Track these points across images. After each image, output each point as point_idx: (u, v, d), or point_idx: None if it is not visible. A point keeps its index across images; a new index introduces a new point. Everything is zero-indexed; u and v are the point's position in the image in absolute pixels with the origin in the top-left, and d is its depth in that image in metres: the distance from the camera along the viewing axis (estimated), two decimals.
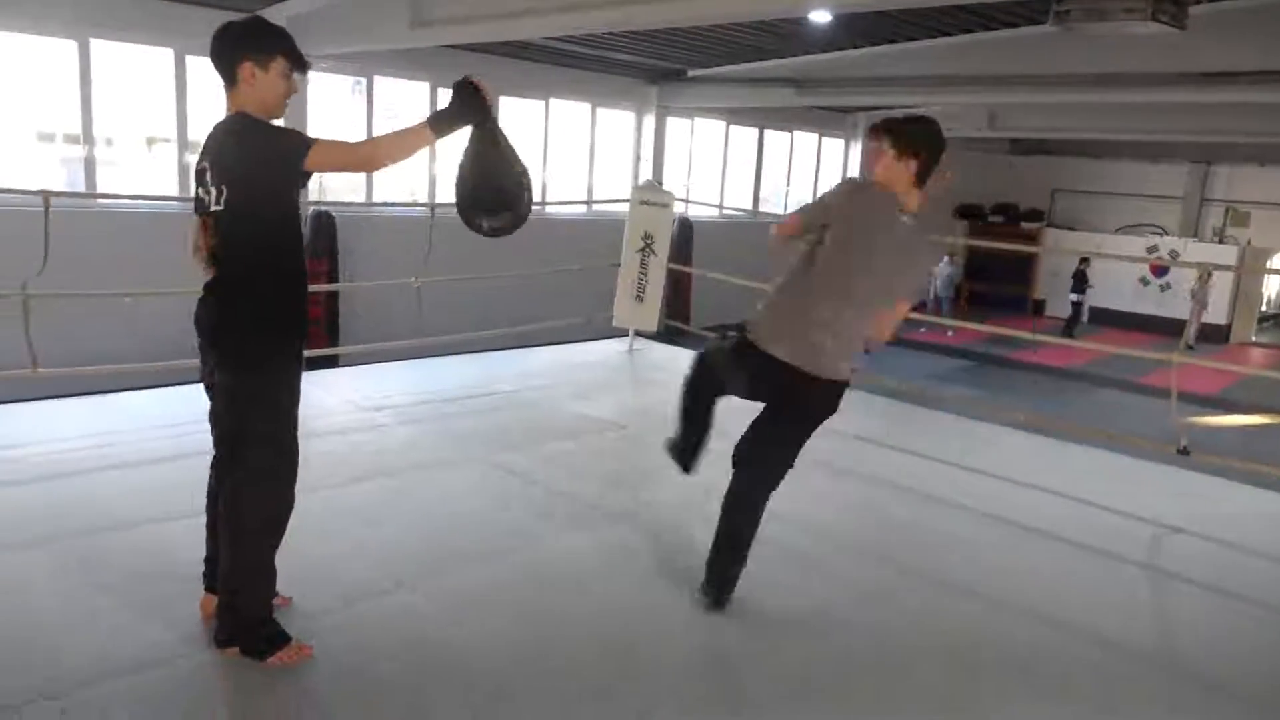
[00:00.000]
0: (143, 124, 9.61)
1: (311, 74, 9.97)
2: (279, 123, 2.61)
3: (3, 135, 8.68)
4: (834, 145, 17.39)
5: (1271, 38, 7.97)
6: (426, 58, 10.73)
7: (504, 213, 2.70)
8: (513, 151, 2.70)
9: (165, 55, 9.24)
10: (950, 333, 14.74)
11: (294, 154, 2.43)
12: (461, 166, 2.72)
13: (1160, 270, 18.04)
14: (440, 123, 2.59)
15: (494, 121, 2.67)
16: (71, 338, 6.31)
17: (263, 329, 2.55)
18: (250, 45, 2.50)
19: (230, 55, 2.50)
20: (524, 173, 2.71)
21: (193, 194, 2.61)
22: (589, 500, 4.09)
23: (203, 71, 9.45)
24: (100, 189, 8.98)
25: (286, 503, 2.68)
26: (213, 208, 2.50)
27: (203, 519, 3.01)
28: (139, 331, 8.25)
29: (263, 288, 2.54)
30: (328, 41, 9.59)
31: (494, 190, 2.70)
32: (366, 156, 2.63)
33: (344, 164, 2.74)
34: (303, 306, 2.66)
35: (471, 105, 2.62)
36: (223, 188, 2.48)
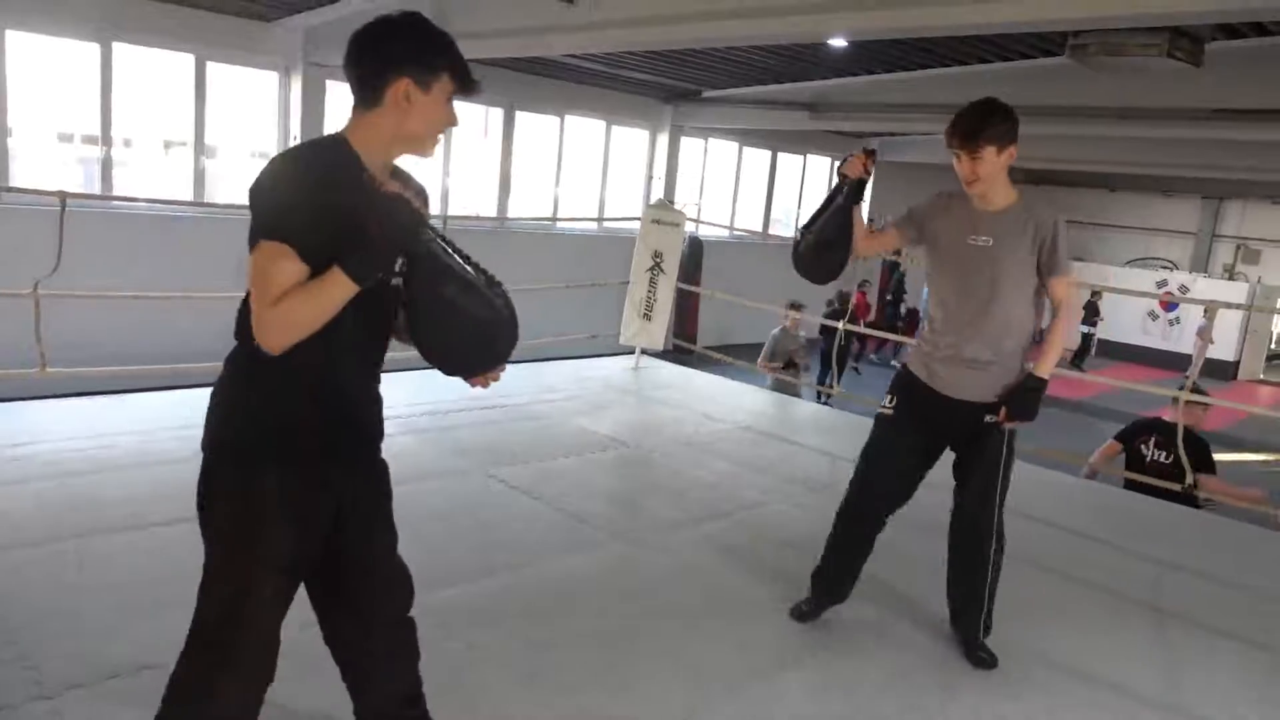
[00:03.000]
0: (161, 127, 9.71)
1: (330, 85, 10.19)
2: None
3: (23, 135, 8.77)
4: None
5: (1271, 78, 7.98)
6: None
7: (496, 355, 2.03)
8: (461, 265, 1.90)
9: (186, 60, 9.35)
10: None
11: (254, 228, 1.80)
12: (424, 331, 1.96)
13: (1170, 305, 18.02)
14: (361, 267, 1.72)
15: (430, 238, 1.83)
16: (82, 338, 6.35)
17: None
18: (413, 56, 1.83)
19: (383, 66, 1.82)
20: (487, 285, 1.93)
21: None
22: (590, 516, 4.09)
23: (221, 76, 9.61)
24: (116, 191, 9.07)
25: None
26: None
27: None
28: (148, 333, 8.31)
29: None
30: None
31: (479, 345, 1.99)
32: (262, 323, 1.76)
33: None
34: None
35: (395, 228, 1.74)
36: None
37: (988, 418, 2.91)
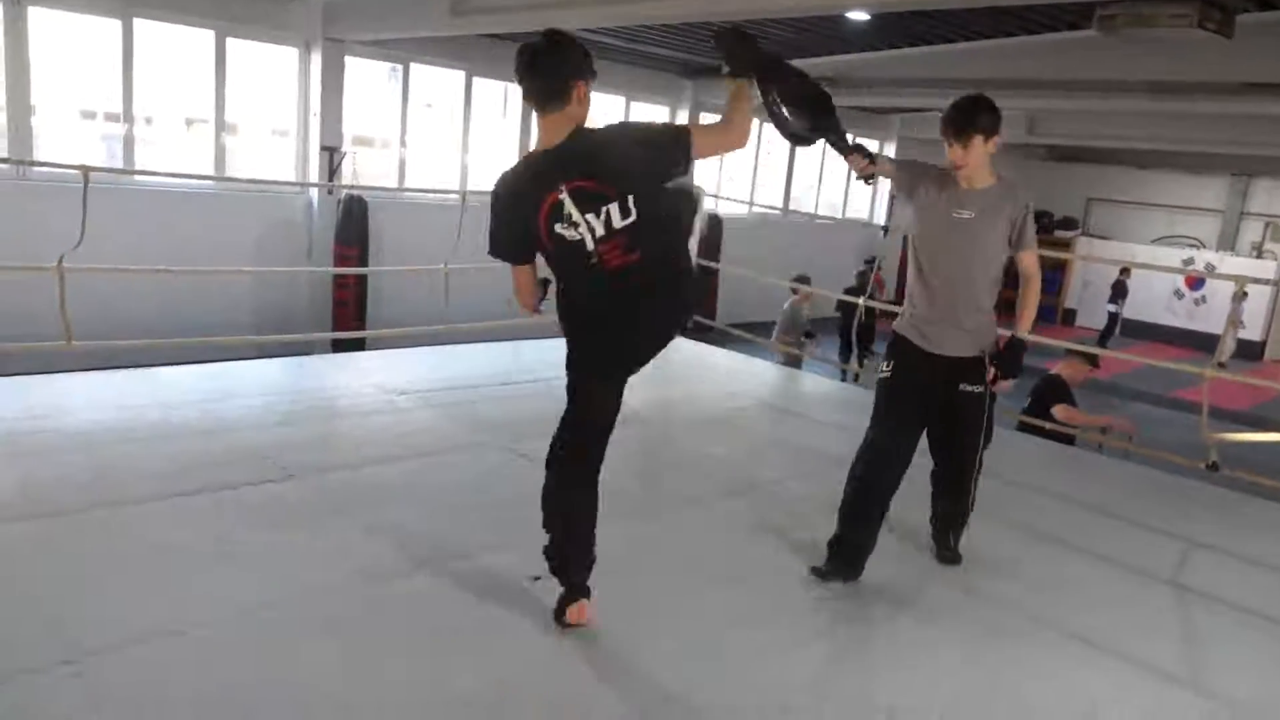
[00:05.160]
0: (182, 105, 9.75)
1: (348, 59, 10.17)
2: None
3: (46, 112, 8.83)
4: (869, 146, 17.27)
5: None
6: (464, 47, 10.77)
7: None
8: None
9: (207, 37, 9.36)
10: None
11: (688, 145, 2.52)
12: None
13: (1196, 283, 17.76)
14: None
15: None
16: (106, 312, 6.42)
17: (702, 297, 2.73)
18: (587, 66, 2.48)
19: (569, 74, 2.44)
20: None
21: (548, 232, 2.45)
22: (608, 489, 4.09)
23: (242, 53, 9.62)
24: (139, 167, 9.13)
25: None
26: (620, 224, 2.43)
27: (225, 494, 3.03)
28: (171, 308, 8.39)
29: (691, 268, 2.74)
30: (367, 27, 9.68)
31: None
32: (741, 134, 2.69)
33: (716, 146, 2.77)
34: None
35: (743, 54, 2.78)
36: (629, 198, 2.43)
37: (967, 386, 3.28)
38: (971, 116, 3.16)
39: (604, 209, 2.40)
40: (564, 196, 2.39)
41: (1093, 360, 6.16)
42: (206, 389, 5.02)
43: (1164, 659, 3.09)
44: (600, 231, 2.42)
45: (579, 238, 2.42)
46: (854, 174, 3.39)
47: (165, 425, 4.42)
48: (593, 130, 2.48)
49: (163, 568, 3.04)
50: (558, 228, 2.42)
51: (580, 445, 2.69)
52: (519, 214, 2.47)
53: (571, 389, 2.70)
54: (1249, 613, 3.47)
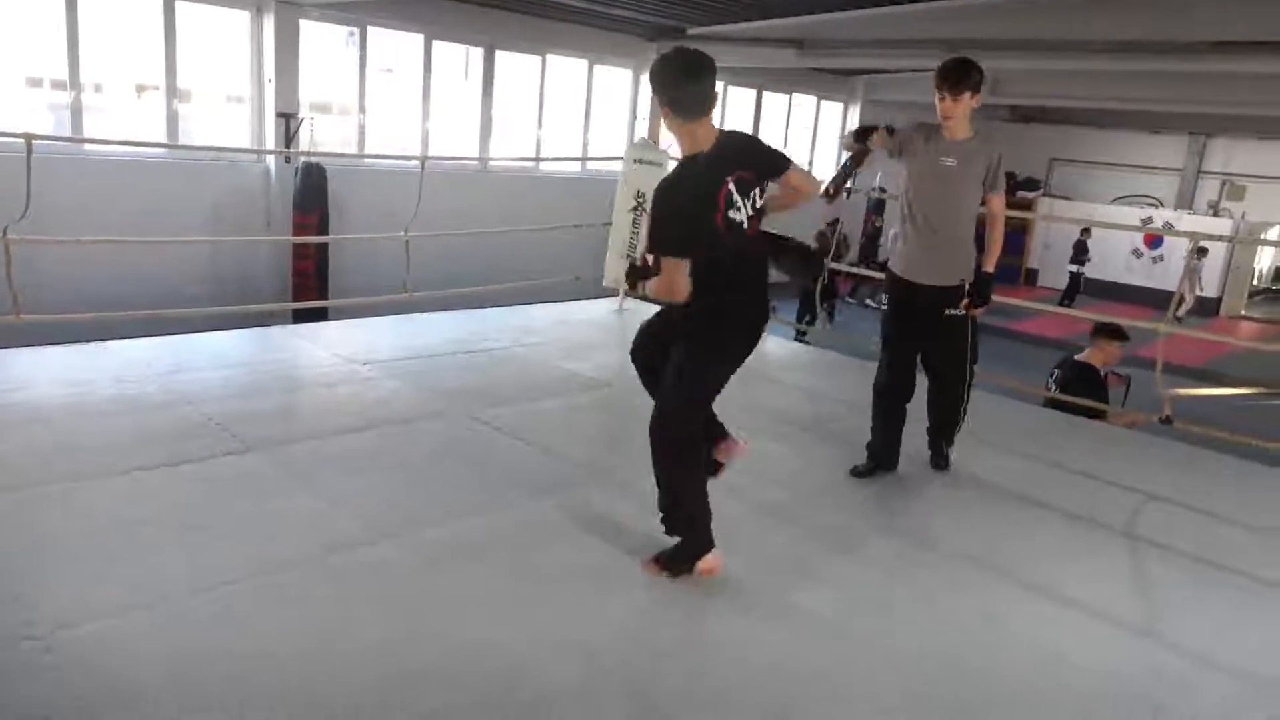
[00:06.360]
0: (132, 71, 9.47)
1: (304, 23, 9.93)
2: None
3: None
4: (833, 109, 17.23)
5: (1274, 7, 7.88)
6: (422, 9, 10.56)
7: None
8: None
9: (154, 2, 9.08)
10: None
11: (783, 168, 3.05)
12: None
13: (1155, 242, 18.02)
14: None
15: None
16: (57, 284, 6.26)
17: None
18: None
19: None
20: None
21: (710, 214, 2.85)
22: (573, 456, 4.11)
23: (193, 17, 9.35)
24: (88, 135, 8.86)
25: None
26: (758, 205, 2.96)
27: (185, 467, 2.97)
28: (123, 279, 8.21)
29: None
30: None
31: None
32: (814, 192, 3.28)
33: (802, 180, 3.15)
34: None
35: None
36: (761, 187, 2.96)
37: (951, 311, 3.87)
38: (965, 74, 3.68)
39: (752, 194, 2.93)
40: (731, 186, 2.87)
41: (1121, 335, 5.68)
42: (163, 362, 4.93)
43: (1122, 608, 3.17)
44: (750, 212, 2.94)
45: (741, 219, 2.91)
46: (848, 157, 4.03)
47: (121, 399, 4.34)
48: (730, 132, 2.97)
49: (125, 542, 3.00)
50: (730, 213, 2.89)
51: (698, 410, 3.09)
52: (702, 211, 2.85)
53: (699, 362, 3.00)
54: (1203, 562, 3.57)
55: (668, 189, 2.87)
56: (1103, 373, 5.64)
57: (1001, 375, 6.09)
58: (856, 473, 4.09)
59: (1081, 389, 5.46)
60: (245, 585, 2.81)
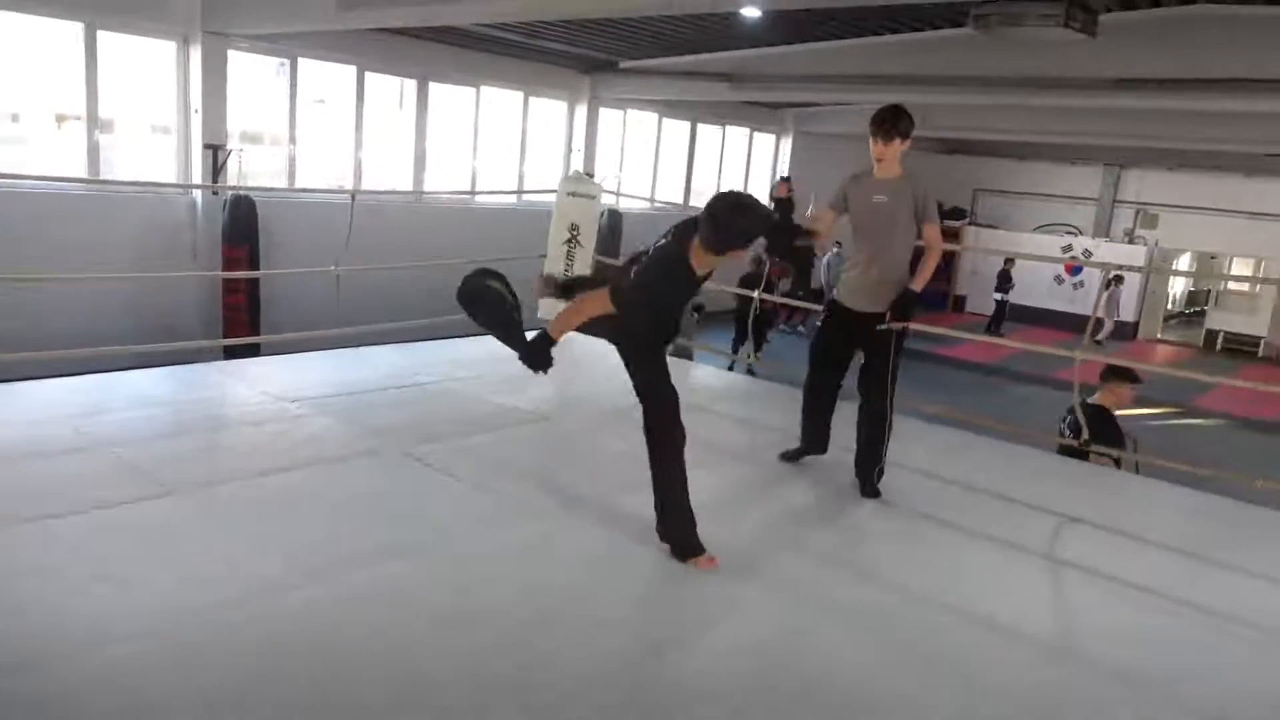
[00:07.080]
0: (52, 101, 9.21)
1: (232, 54, 9.79)
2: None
3: None
4: (765, 140, 17.58)
5: (1178, 47, 8.32)
6: (354, 41, 10.51)
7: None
8: None
9: (76, 29, 8.88)
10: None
11: None
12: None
13: (1075, 269, 18.70)
14: None
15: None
16: None
17: None
18: None
19: None
20: None
21: None
22: (508, 492, 4.07)
23: (117, 46, 9.14)
24: (7, 168, 8.57)
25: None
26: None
27: (98, 514, 2.84)
28: (40, 318, 7.94)
29: None
30: (250, 20, 9.34)
31: None
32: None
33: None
34: None
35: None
36: None
37: (879, 326, 4.17)
38: (896, 122, 4.09)
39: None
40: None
41: (1132, 377, 5.53)
42: (79, 403, 4.77)
43: (1041, 629, 3.25)
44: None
45: None
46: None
47: (32, 443, 4.17)
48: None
49: (35, 594, 2.88)
50: None
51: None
52: (677, 301, 3.66)
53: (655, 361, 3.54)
54: (1120, 583, 3.68)
55: (672, 273, 3.34)
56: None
57: (1015, 423, 6.03)
58: (786, 457, 4.57)
59: (1100, 433, 5.25)
60: (162, 641, 2.71)
